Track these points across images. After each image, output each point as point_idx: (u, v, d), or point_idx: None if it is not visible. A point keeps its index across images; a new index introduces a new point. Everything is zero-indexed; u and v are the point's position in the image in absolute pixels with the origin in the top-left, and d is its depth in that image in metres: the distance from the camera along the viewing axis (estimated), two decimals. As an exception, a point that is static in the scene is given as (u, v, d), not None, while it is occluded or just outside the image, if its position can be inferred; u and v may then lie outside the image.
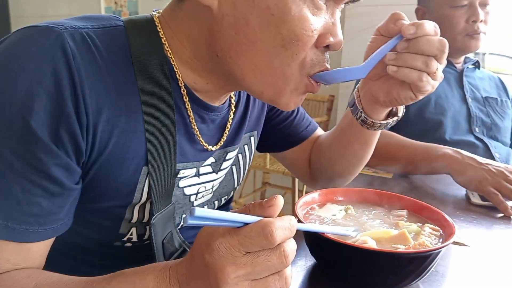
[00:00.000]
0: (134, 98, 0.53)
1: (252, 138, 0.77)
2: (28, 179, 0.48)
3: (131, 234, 0.61)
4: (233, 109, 0.69)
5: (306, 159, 0.86)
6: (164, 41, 0.57)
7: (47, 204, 0.49)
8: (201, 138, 0.62)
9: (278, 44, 0.51)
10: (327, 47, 0.55)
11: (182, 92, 0.58)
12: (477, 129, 1.25)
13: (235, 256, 0.39)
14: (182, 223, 0.66)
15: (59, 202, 0.51)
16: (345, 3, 0.56)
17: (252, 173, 2.49)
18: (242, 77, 0.55)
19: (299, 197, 2.27)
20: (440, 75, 0.59)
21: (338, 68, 0.58)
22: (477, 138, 1.23)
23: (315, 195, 0.66)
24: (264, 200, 0.41)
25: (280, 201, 0.40)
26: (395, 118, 0.70)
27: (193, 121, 0.61)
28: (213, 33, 0.53)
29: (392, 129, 1.23)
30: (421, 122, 1.21)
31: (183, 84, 0.58)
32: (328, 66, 0.55)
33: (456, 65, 1.34)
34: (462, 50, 1.29)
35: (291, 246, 0.40)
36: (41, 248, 0.52)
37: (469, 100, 1.28)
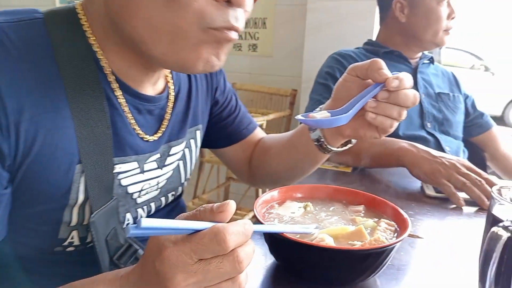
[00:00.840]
0: (59, 93, 0.51)
1: (198, 132, 0.76)
2: None
3: (72, 238, 0.58)
4: (172, 100, 0.67)
5: (246, 157, 0.87)
6: (87, 27, 0.55)
7: None
8: (137, 128, 0.61)
9: None
10: (229, 3, 0.49)
11: (110, 80, 0.56)
12: (429, 124, 1.29)
13: (186, 263, 0.38)
14: (128, 222, 0.64)
15: None
16: None
17: (215, 168, 2.47)
18: (141, 40, 0.51)
19: (263, 192, 2.26)
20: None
21: (324, 118, 0.60)
22: (428, 133, 1.28)
23: (274, 193, 0.66)
24: (215, 205, 0.40)
25: (232, 207, 0.40)
26: (349, 145, 0.73)
27: (127, 110, 0.59)
28: None
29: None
30: None
31: (110, 71, 0.56)
32: (237, 25, 0.51)
33: (411, 61, 1.37)
34: (437, 45, 1.32)
35: (246, 251, 0.39)
36: None
37: (422, 97, 1.32)
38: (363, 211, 0.65)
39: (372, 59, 0.61)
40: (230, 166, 0.92)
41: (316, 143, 0.71)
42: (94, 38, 0.55)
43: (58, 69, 0.51)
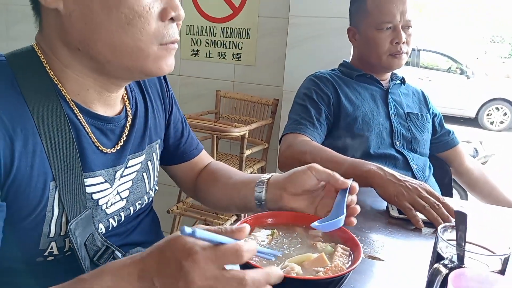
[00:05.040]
0: (29, 123, 0.60)
1: (157, 146, 0.86)
2: None
3: (51, 248, 0.65)
4: (130, 119, 0.76)
5: (193, 176, 0.98)
6: (45, 64, 0.64)
7: None
8: (100, 145, 0.69)
9: (123, 22, 0.59)
10: (172, 20, 0.63)
11: (72, 107, 0.65)
12: (398, 143, 1.38)
13: (210, 268, 0.46)
14: (101, 231, 0.72)
15: None
16: None
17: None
18: (107, 60, 0.62)
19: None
20: None
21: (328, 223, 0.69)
22: (397, 151, 1.36)
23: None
24: (234, 227, 0.51)
25: (247, 229, 0.51)
26: None
27: (89, 130, 0.67)
28: (66, 32, 0.61)
29: (325, 141, 1.33)
30: (350, 137, 1.33)
31: (70, 99, 0.65)
32: (177, 37, 0.66)
33: (383, 82, 1.46)
34: (386, 68, 1.42)
35: (253, 278, 0.48)
36: None
37: (392, 117, 1.40)
38: (321, 236, 0.71)
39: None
40: (176, 180, 1.02)
41: (256, 201, 0.81)
42: (53, 72, 0.64)
43: (25, 101, 0.60)
